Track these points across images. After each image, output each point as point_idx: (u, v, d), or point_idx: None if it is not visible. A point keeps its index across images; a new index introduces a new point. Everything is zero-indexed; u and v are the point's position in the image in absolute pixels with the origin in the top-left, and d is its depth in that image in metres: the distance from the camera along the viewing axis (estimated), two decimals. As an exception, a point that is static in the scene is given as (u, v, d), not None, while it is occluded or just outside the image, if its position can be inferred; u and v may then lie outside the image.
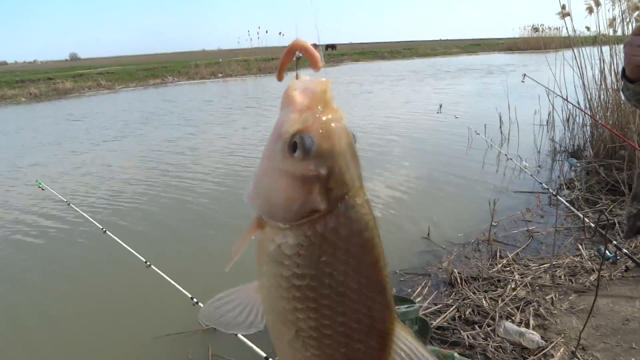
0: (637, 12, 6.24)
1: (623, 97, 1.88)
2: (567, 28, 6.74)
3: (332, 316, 0.69)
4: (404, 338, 0.70)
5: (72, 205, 2.96)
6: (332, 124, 0.65)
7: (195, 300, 2.35)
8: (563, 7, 6.69)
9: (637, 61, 1.57)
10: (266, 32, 37.10)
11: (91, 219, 2.86)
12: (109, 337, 3.35)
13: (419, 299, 3.46)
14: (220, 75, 28.41)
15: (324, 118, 0.65)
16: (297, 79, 0.69)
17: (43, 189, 3.04)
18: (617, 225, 4.16)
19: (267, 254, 0.68)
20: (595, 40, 6.71)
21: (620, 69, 1.66)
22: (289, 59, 0.69)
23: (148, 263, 2.51)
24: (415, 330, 1.04)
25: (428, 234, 4.57)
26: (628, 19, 6.26)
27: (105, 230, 2.73)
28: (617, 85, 6.00)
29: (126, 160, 8.70)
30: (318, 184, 0.64)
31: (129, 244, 2.64)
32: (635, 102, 1.72)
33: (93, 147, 10.16)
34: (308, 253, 0.66)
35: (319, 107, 0.66)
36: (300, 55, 0.69)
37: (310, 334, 0.70)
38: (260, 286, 0.71)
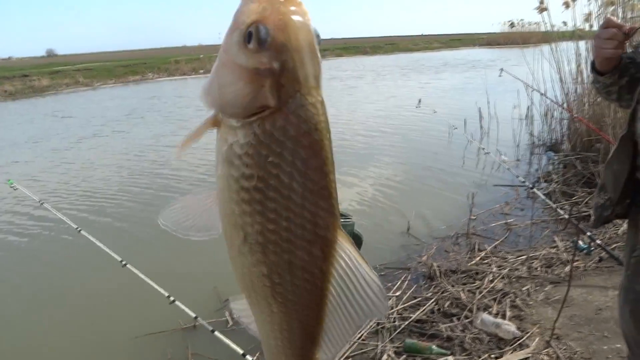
0: (612, 7, 6.35)
1: (594, 90, 1.92)
2: (545, 23, 6.84)
3: (276, 220, 0.67)
4: (345, 248, 0.68)
5: (46, 205, 2.90)
6: (292, 17, 0.61)
7: (172, 298, 2.33)
8: (541, 1, 6.77)
9: (606, 54, 1.60)
10: (248, 26, 36.73)
11: (65, 219, 2.80)
12: (87, 338, 3.31)
13: (398, 292, 3.49)
14: (201, 71, 28.10)
15: (283, 9, 0.61)
16: None
17: (15, 189, 2.97)
18: (591, 217, 4.25)
19: (220, 154, 0.66)
20: (573, 35, 6.81)
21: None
22: None
23: (124, 262, 2.48)
24: None
25: (408, 228, 4.60)
26: (604, 14, 6.38)
27: (80, 230, 2.68)
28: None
29: (104, 158, 8.58)
30: (269, 79, 0.61)
31: (105, 243, 2.60)
32: (605, 95, 1.75)
33: (70, 145, 10.00)
34: (256, 152, 0.64)
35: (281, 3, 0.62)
36: None
37: (256, 238, 0.69)
38: (217, 190, 0.70)
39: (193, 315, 2.30)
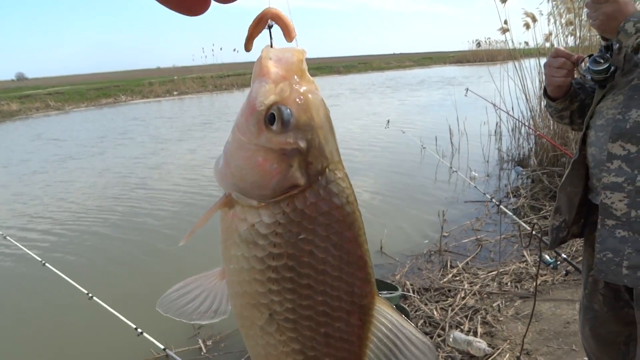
0: (571, 27, 6.63)
1: (548, 114, 2.01)
2: (508, 42, 7.09)
3: (311, 296, 0.66)
4: (384, 312, 0.67)
5: (8, 238, 2.83)
6: (310, 95, 0.63)
7: (139, 330, 2.29)
8: (505, 22, 7.02)
9: (556, 82, 1.66)
10: (220, 49, 37.03)
11: (29, 251, 2.73)
12: (54, 373, 3.21)
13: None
14: (175, 93, 28.01)
15: (301, 89, 0.63)
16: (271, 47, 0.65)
17: (-23, 222, 2.89)
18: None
19: (237, 235, 0.64)
20: (536, 53, 7.06)
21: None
22: (260, 28, 0.64)
23: (90, 295, 2.43)
24: None
25: (381, 247, 4.63)
26: (563, 33, 6.65)
27: (44, 263, 2.62)
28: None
29: (70, 187, 8.36)
30: (297, 158, 0.62)
31: (70, 276, 2.55)
32: (558, 119, 1.82)
33: (34, 173, 9.74)
34: (286, 231, 0.63)
35: (295, 78, 0.63)
36: (272, 24, 0.64)
37: (286, 316, 0.67)
38: (226, 271, 0.68)
39: (161, 346, 2.26)
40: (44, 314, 3.90)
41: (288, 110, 0.61)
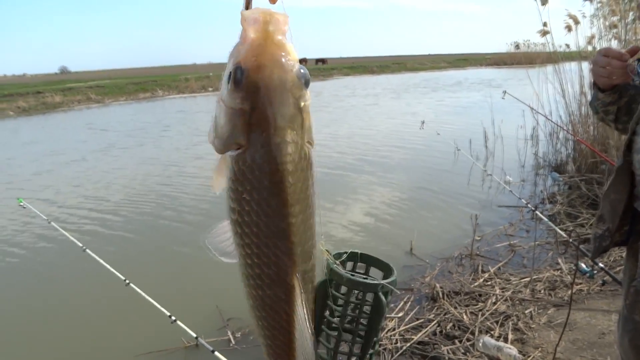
0: (614, 30, 6.41)
1: (591, 110, 1.92)
2: (548, 44, 6.91)
3: (250, 255, 0.70)
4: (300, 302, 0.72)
5: (53, 223, 2.96)
6: (267, 57, 0.61)
7: (173, 318, 2.35)
8: (544, 24, 6.84)
9: (602, 81, 1.60)
10: (257, 45, 37.13)
11: (71, 237, 2.85)
12: (89, 355, 3.33)
13: (401, 313, 3.48)
14: (210, 89, 28.49)
15: (261, 50, 0.62)
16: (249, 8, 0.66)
17: (24, 207, 3.03)
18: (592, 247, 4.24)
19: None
20: (577, 56, 6.86)
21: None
22: None
23: (127, 281, 2.51)
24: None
25: (411, 249, 4.61)
26: (607, 36, 6.44)
27: (85, 249, 2.72)
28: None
29: (112, 176, 8.65)
30: (241, 118, 0.63)
31: (109, 262, 2.64)
32: (603, 114, 1.72)
33: (79, 162, 10.11)
34: (234, 187, 0.67)
35: (262, 39, 0.62)
36: None
37: (242, 271, 0.74)
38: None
39: (194, 335, 2.32)
40: (83, 298, 4.06)
41: (241, 70, 0.62)
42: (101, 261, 2.62)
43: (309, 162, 0.68)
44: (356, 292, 1.09)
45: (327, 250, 0.96)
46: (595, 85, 1.66)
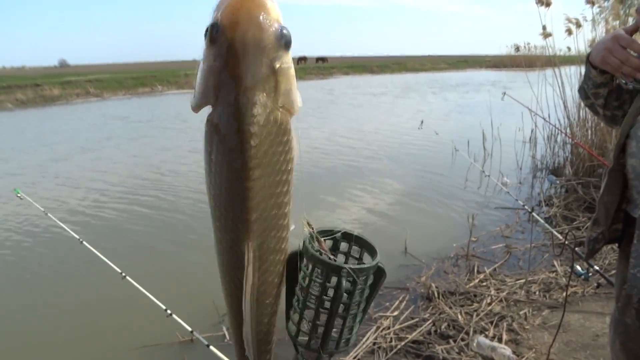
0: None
1: (580, 96, 1.80)
2: (549, 47, 6.91)
3: (215, 220, 0.71)
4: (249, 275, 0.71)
5: (50, 215, 2.95)
6: (243, 14, 0.59)
7: (169, 311, 2.35)
8: (544, 27, 6.84)
9: (613, 62, 1.42)
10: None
11: (68, 229, 2.85)
12: (84, 348, 3.33)
13: (396, 312, 3.49)
14: (210, 85, 28.37)
15: (236, 7, 0.59)
16: None
17: (21, 198, 3.02)
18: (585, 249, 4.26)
19: None
20: (577, 60, 6.87)
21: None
22: None
23: (123, 274, 2.51)
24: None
25: (405, 248, 4.60)
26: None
27: (82, 241, 2.72)
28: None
29: (109, 169, 8.65)
30: (213, 75, 0.62)
31: (106, 255, 2.64)
32: (593, 98, 1.62)
33: (76, 154, 10.09)
34: (207, 145, 0.66)
35: None
36: None
37: (214, 235, 0.74)
38: None
39: (189, 329, 2.32)
40: (79, 290, 4.06)
41: (217, 27, 0.60)
42: (98, 253, 2.62)
43: (282, 128, 0.65)
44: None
45: (308, 223, 0.89)
46: (588, 62, 1.53)
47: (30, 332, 3.55)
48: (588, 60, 1.52)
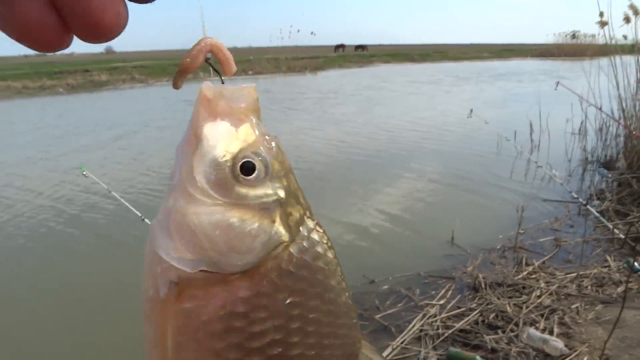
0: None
1: None
2: (604, 36, 6.64)
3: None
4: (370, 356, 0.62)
5: (114, 193, 3.10)
6: (275, 138, 0.55)
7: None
8: (601, 14, 6.57)
9: None
10: (298, 31, 37.30)
11: (130, 207, 2.98)
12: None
13: (442, 301, 3.50)
14: (250, 72, 28.72)
15: (264, 131, 0.54)
16: (214, 83, 0.56)
17: (86, 176, 3.17)
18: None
19: (195, 329, 0.50)
20: (634, 49, 6.57)
21: None
22: (196, 61, 0.54)
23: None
24: None
25: (452, 238, 4.58)
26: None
27: (143, 218, 2.85)
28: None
29: (168, 148, 8.93)
30: (278, 210, 0.52)
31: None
32: None
33: (135, 135, 10.47)
34: (271, 301, 0.51)
35: (254, 120, 0.54)
36: (210, 56, 0.55)
37: None
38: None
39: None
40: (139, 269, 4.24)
41: (263, 157, 0.52)
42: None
43: None
44: None
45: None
46: None
47: (92, 307, 3.74)
48: None
